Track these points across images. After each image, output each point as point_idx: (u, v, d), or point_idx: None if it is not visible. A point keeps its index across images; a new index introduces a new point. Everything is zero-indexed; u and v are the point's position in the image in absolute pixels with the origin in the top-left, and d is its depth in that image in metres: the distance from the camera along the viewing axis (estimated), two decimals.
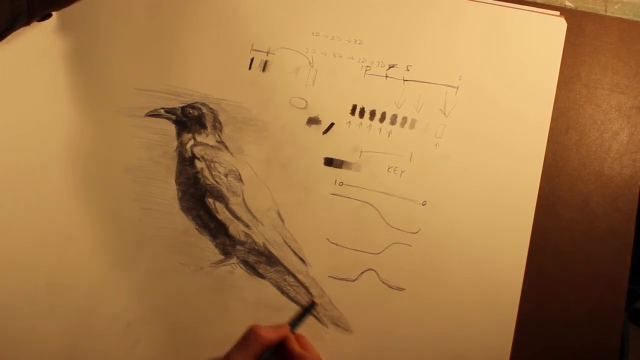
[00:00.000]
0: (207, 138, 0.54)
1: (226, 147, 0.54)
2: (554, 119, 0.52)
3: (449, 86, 0.53)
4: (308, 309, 0.51)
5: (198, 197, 0.53)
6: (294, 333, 0.49)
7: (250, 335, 0.46)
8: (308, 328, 0.50)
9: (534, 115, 0.52)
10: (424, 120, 0.53)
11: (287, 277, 0.52)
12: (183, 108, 0.54)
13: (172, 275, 0.52)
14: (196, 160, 0.54)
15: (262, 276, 0.52)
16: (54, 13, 0.56)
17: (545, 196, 0.51)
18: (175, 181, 0.54)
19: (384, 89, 0.54)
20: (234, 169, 0.53)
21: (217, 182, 0.53)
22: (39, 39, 0.56)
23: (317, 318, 0.51)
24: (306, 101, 0.54)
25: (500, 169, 0.51)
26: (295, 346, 0.47)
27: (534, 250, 0.50)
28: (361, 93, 0.54)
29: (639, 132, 0.52)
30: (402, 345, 0.50)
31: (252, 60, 0.55)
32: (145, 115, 0.55)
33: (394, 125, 0.53)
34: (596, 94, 0.53)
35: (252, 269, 0.52)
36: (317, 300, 0.51)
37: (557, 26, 0.53)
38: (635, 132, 0.52)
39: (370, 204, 0.52)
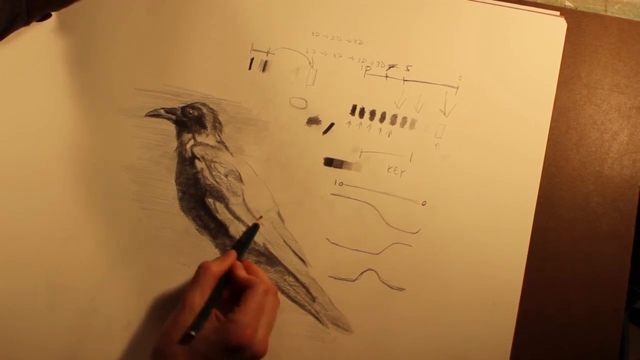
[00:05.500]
0: (207, 138, 0.54)
1: (226, 147, 0.54)
2: (554, 119, 0.52)
3: (449, 86, 0.53)
4: (251, 232, 0.51)
5: (198, 197, 0.53)
6: (241, 261, 0.50)
7: (200, 271, 0.47)
8: (308, 328, 0.50)
9: (534, 115, 0.52)
10: (424, 120, 0.53)
11: (287, 277, 0.52)
12: (183, 108, 0.54)
13: (173, 275, 0.52)
14: (196, 161, 0.54)
15: None
16: (53, 13, 0.56)
17: (545, 196, 0.51)
18: (175, 181, 0.54)
19: (384, 89, 0.54)
20: (234, 169, 0.53)
21: (217, 182, 0.53)
22: (38, 39, 0.55)
23: (317, 318, 0.51)
24: (306, 101, 0.54)
25: (500, 169, 0.51)
26: (241, 273, 0.48)
27: (534, 250, 0.50)
28: (361, 93, 0.54)
29: (639, 132, 0.52)
30: (402, 345, 0.50)
31: (252, 60, 0.55)
32: (145, 115, 0.55)
33: (394, 125, 0.53)
34: (596, 94, 0.53)
35: None
36: (259, 221, 0.51)
37: (557, 26, 0.53)
38: (635, 132, 0.52)
39: (370, 204, 0.52)
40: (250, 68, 0.55)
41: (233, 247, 0.51)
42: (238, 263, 0.49)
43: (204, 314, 0.44)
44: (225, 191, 0.53)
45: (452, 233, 0.51)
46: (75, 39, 0.56)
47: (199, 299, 0.45)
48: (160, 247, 0.52)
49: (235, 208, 0.53)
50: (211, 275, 0.47)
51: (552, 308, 0.50)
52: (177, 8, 0.56)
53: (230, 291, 0.48)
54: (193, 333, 0.43)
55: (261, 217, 0.52)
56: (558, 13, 0.54)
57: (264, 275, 0.49)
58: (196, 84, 0.55)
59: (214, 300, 0.46)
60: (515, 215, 0.51)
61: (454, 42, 0.54)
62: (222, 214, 0.53)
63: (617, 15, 0.55)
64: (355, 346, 0.50)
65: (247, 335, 0.43)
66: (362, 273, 0.51)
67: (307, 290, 0.51)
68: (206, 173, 0.53)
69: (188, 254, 0.52)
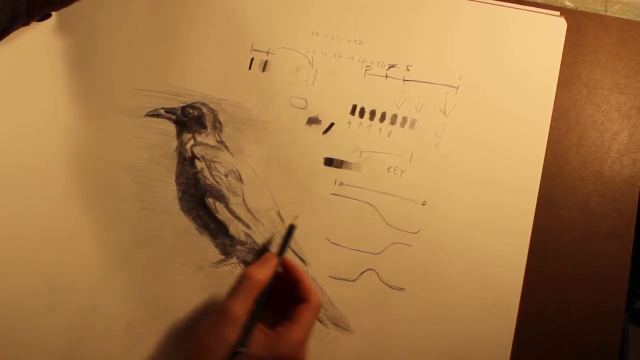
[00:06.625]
0: (207, 138, 0.54)
1: (226, 147, 0.54)
2: (554, 119, 0.52)
3: (449, 86, 0.53)
4: (289, 235, 0.50)
5: (198, 197, 0.53)
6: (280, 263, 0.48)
7: (243, 279, 0.44)
8: None
9: (534, 115, 0.52)
10: (424, 120, 0.53)
11: None
12: (183, 108, 0.54)
13: (173, 275, 0.52)
14: (196, 160, 0.54)
15: None
16: (53, 13, 0.56)
17: (545, 196, 0.51)
18: (175, 181, 0.54)
19: (384, 89, 0.54)
20: (234, 169, 0.53)
21: (217, 182, 0.53)
22: (38, 39, 0.55)
23: (317, 318, 0.50)
24: (306, 101, 0.54)
25: (500, 169, 0.51)
26: (305, 284, 0.45)
27: (534, 250, 0.50)
28: (361, 93, 0.54)
29: (639, 132, 0.52)
30: (402, 345, 0.50)
31: (252, 60, 0.55)
32: (145, 115, 0.55)
33: (394, 125, 0.53)
34: (596, 94, 0.53)
35: None
36: (294, 222, 0.50)
37: (557, 26, 0.53)
38: (635, 132, 0.52)
39: (370, 204, 0.52)
40: (250, 68, 0.55)
41: (278, 253, 0.49)
42: (304, 274, 0.47)
43: (252, 327, 0.42)
44: (225, 191, 0.53)
45: (452, 233, 0.51)
46: (75, 39, 0.56)
47: (240, 309, 0.42)
48: (160, 247, 0.52)
49: (235, 208, 0.53)
50: (254, 284, 0.44)
51: (552, 308, 0.50)
52: (177, 8, 0.56)
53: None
54: (243, 349, 0.40)
55: (297, 216, 0.51)
56: (558, 13, 0.54)
57: (311, 284, 0.47)
58: (196, 84, 0.55)
59: (260, 311, 0.43)
60: (515, 215, 0.51)
61: (454, 42, 0.54)
62: (222, 213, 0.53)
63: (617, 15, 0.55)
64: (355, 346, 0.50)
65: (301, 356, 0.41)
66: (362, 273, 0.51)
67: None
68: (206, 173, 0.53)
69: (188, 254, 0.52)
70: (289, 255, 0.52)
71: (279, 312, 0.46)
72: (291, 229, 0.50)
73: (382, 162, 0.52)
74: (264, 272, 0.45)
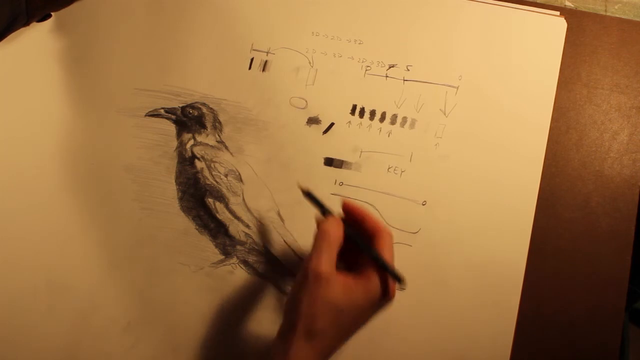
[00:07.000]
0: (207, 138, 0.54)
1: (226, 147, 0.54)
2: (554, 119, 0.52)
3: (449, 86, 0.53)
4: (313, 198, 0.47)
5: (198, 197, 0.53)
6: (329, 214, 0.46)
7: (325, 237, 0.43)
8: None
9: (534, 115, 0.52)
10: (424, 120, 0.53)
11: (287, 277, 0.52)
12: (183, 108, 0.54)
13: (172, 275, 0.52)
14: (196, 160, 0.54)
15: (262, 276, 0.52)
16: (53, 13, 0.56)
17: (545, 196, 0.51)
18: (175, 181, 0.54)
19: (384, 89, 0.54)
20: (234, 169, 0.53)
21: (217, 182, 0.53)
22: (38, 39, 0.56)
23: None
24: (306, 101, 0.54)
25: (500, 169, 0.51)
26: (369, 222, 0.45)
27: (534, 250, 0.50)
28: (361, 93, 0.54)
29: (639, 132, 0.52)
30: (402, 345, 0.50)
31: (252, 60, 0.55)
32: (145, 115, 0.55)
33: (394, 125, 0.53)
34: (596, 94, 0.53)
35: (252, 269, 0.52)
36: (303, 188, 0.48)
37: (557, 26, 0.53)
38: (635, 132, 0.52)
39: (370, 204, 0.52)
40: (250, 68, 0.55)
41: (324, 213, 0.47)
42: (367, 211, 0.45)
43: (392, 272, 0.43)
44: (225, 191, 0.53)
45: (452, 233, 0.51)
46: (75, 39, 0.56)
47: (329, 267, 0.41)
48: (160, 247, 0.52)
49: (235, 208, 0.53)
50: (335, 239, 0.43)
51: (552, 308, 0.50)
52: (177, 8, 0.56)
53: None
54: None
55: (299, 186, 0.48)
56: (558, 13, 0.54)
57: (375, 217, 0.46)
58: (196, 84, 0.55)
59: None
60: (515, 215, 0.51)
61: (454, 42, 0.54)
62: (222, 213, 0.53)
63: (617, 15, 0.55)
64: (354, 346, 0.50)
65: (394, 291, 0.43)
66: None
67: None
68: (206, 173, 0.53)
69: (188, 254, 0.52)
70: (289, 255, 0.52)
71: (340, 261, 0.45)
72: (310, 194, 0.47)
73: (382, 162, 0.52)
74: (338, 226, 0.44)
